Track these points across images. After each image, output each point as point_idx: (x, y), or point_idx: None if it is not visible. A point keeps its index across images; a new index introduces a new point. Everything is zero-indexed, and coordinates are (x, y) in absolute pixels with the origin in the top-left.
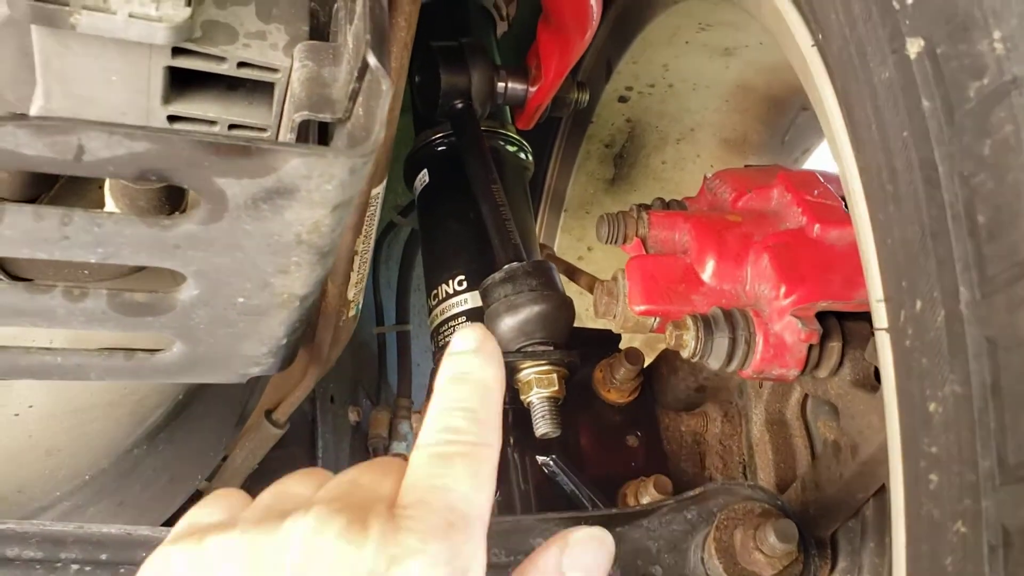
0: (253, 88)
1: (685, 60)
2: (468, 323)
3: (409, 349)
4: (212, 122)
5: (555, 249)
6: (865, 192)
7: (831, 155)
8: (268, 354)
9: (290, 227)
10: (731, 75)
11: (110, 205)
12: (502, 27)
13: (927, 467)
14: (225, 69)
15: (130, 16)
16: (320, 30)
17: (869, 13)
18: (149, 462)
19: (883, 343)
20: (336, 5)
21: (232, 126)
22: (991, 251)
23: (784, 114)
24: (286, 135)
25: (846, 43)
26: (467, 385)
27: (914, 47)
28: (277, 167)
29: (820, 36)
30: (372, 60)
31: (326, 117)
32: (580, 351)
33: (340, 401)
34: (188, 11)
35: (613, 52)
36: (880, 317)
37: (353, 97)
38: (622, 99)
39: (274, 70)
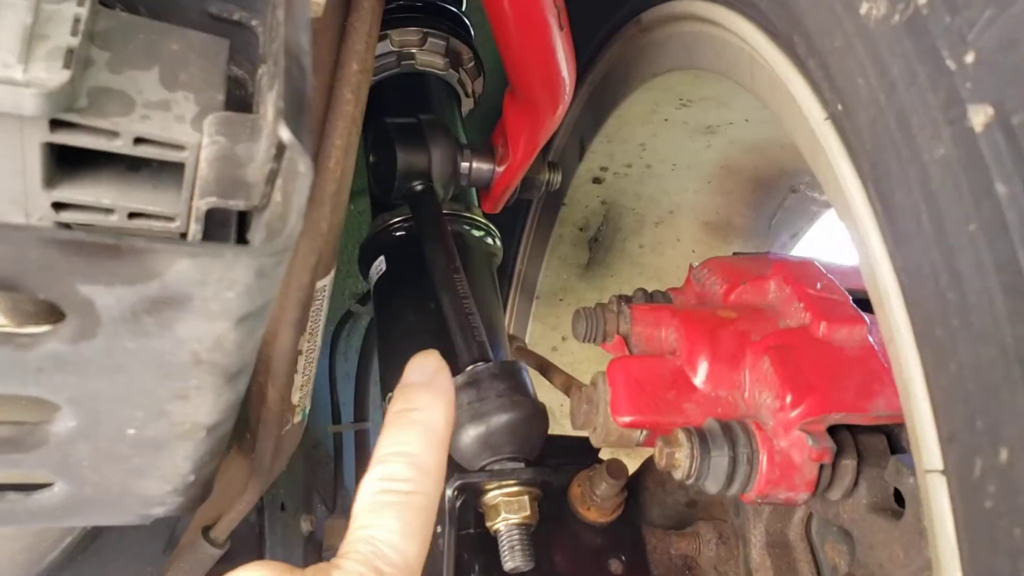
0: (159, 169)
1: (664, 139)
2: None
3: (368, 449)
4: (108, 210)
5: (527, 339)
6: (907, 297)
7: (852, 246)
8: (173, 493)
9: (184, 345)
10: (714, 155)
11: None
12: (468, 104)
13: None
14: (119, 147)
15: None
16: (240, 100)
17: (913, 76)
18: None
19: (936, 488)
20: (260, 71)
21: (132, 215)
22: None
23: (771, 197)
24: (192, 227)
25: (880, 113)
26: (412, 427)
27: (980, 117)
28: (160, 271)
29: (839, 106)
30: (285, 134)
31: (239, 204)
32: (555, 462)
33: (292, 509)
34: (67, 74)
35: (586, 130)
36: (932, 458)
37: (271, 180)
38: (596, 180)
39: (180, 147)
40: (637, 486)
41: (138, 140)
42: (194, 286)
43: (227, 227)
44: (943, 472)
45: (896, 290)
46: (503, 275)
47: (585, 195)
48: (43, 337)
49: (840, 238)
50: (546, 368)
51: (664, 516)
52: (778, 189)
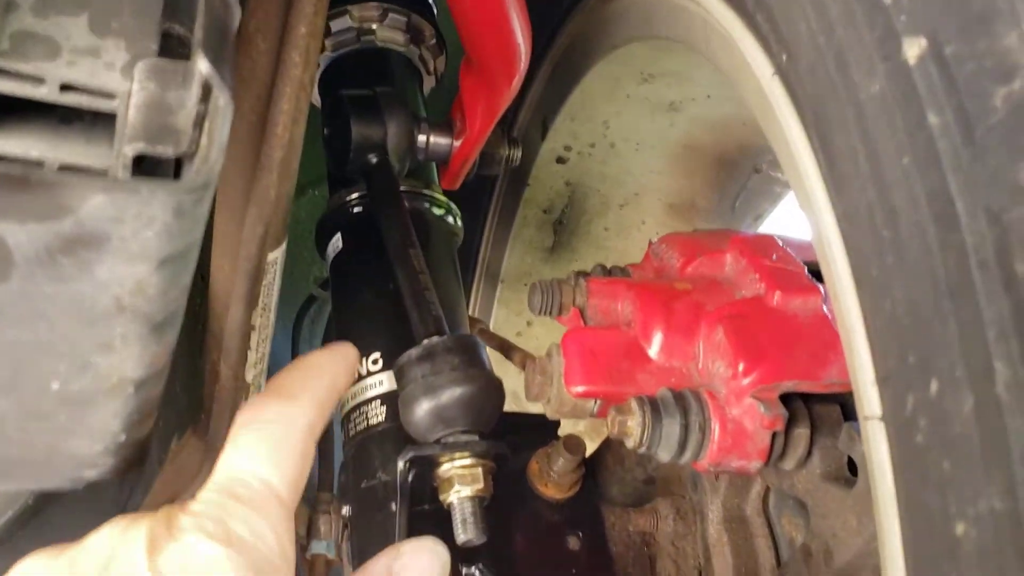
0: (93, 121)
1: (627, 117)
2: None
3: (331, 437)
4: (38, 163)
5: (491, 324)
6: (847, 241)
7: (800, 206)
8: (104, 453)
9: (105, 289)
10: (677, 133)
11: None
12: (430, 82)
13: None
14: (44, 94)
15: None
16: (175, 49)
17: (851, 14)
18: None
19: (875, 435)
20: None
21: (63, 167)
22: None
23: (734, 177)
24: (120, 175)
25: (820, 56)
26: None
27: (913, 49)
28: (73, 207)
29: (784, 57)
30: (203, 65)
31: (167, 151)
32: (513, 439)
33: None
34: None
35: (549, 109)
36: (871, 402)
37: (199, 124)
38: (560, 160)
39: (109, 95)
40: (596, 465)
41: (64, 87)
42: (111, 223)
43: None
44: (881, 418)
45: (837, 237)
46: (467, 259)
47: (549, 175)
48: None
49: (802, 219)
50: (507, 348)
51: (622, 493)
52: (741, 169)
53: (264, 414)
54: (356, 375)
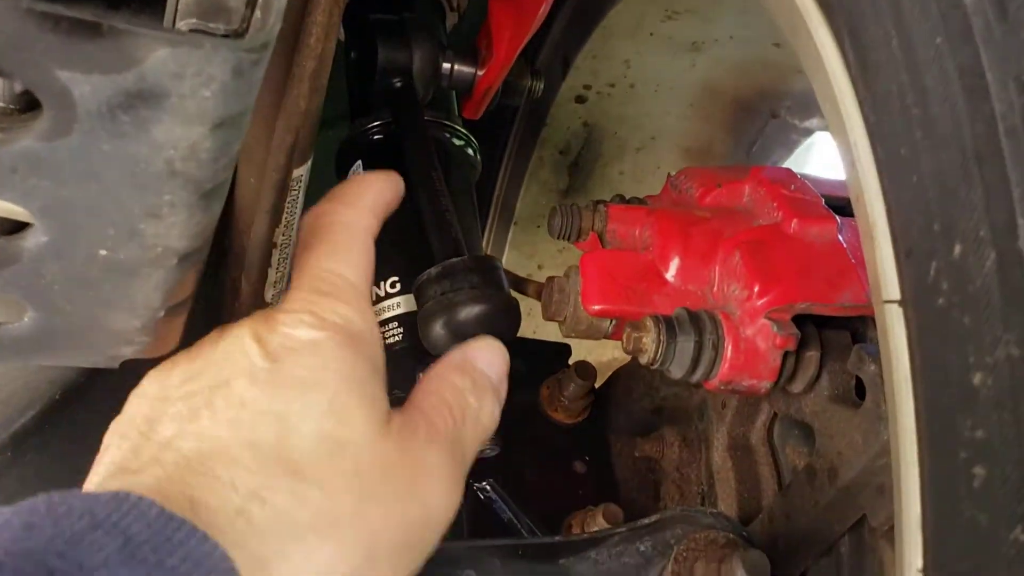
0: (140, 6)
1: (649, 56)
2: None
3: None
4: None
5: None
6: (875, 128)
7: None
8: (142, 329)
9: (160, 150)
10: (697, 75)
11: None
12: (452, 19)
13: (970, 458)
14: None
15: None
16: None
17: None
18: (14, 473)
19: (893, 320)
20: None
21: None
22: None
23: (752, 122)
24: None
25: None
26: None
27: None
28: (139, 59)
29: None
30: None
31: (218, 28)
32: (526, 364)
33: None
34: None
35: (571, 46)
36: (891, 286)
37: (251, 2)
38: (579, 99)
39: None
40: (604, 397)
41: None
42: (171, 79)
43: None
44: (900, 302)
45: (862, 127)
46: (482, 199)
47: (567, 115)
48: (19, 131)
49: (816, 166)
50: (519, 283)
51: (630, 423)
52: (759, 114)
53: (328, 218)
54: (401, 190)
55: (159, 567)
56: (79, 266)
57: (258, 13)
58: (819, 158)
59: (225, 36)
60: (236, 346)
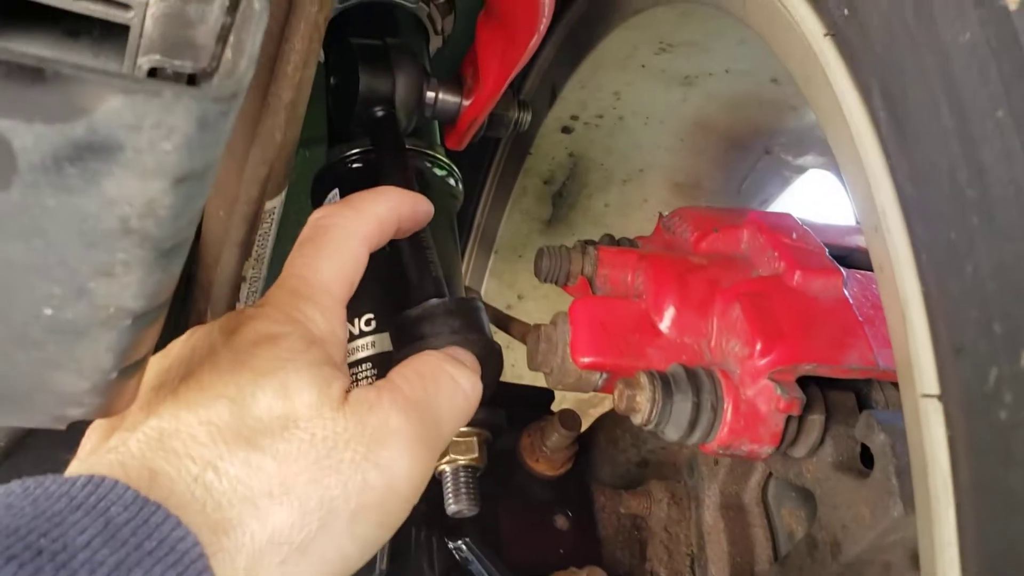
0: (105, 34)
1: (640, 88)
2: None
3: None
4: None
5: (482, 294)
6: (912, 204)
7: (845, 174)
8: (92, 392)
9: (112, 206)
10: (689, 109)
11: None
12: (436, 43)
13: None
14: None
15: None
16: None
17: None
18: None
19: (931, 415)
20: None
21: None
22: None
23: (744, 158)
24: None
25: (897, 7)
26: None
27: None
28: (89, 108)
29: (845, 11)
30: None
31: (185, 66)
32: (506, 411)
33: None
34: None
35: (559, 74)
36: (927, 381)
37: (223, 38)
38: (566, 129)
39: (125, 5)
40: (588, 444)
41: None
42: (127, 131)
43: None
44: (939, 397)
45: (895, 201)
46: (462, 226)
47: (553, 145)
48: None
49: (810, 203)
50: (502, 320)
51: (614, 475)
52: (752, 150)
53: (329, 220)
54: (421, 211)
55: (138, 549)
56: (20, 325)
57: (228, 54)
58: (811, 195)
59: (190, 83)
60: (204, 340)
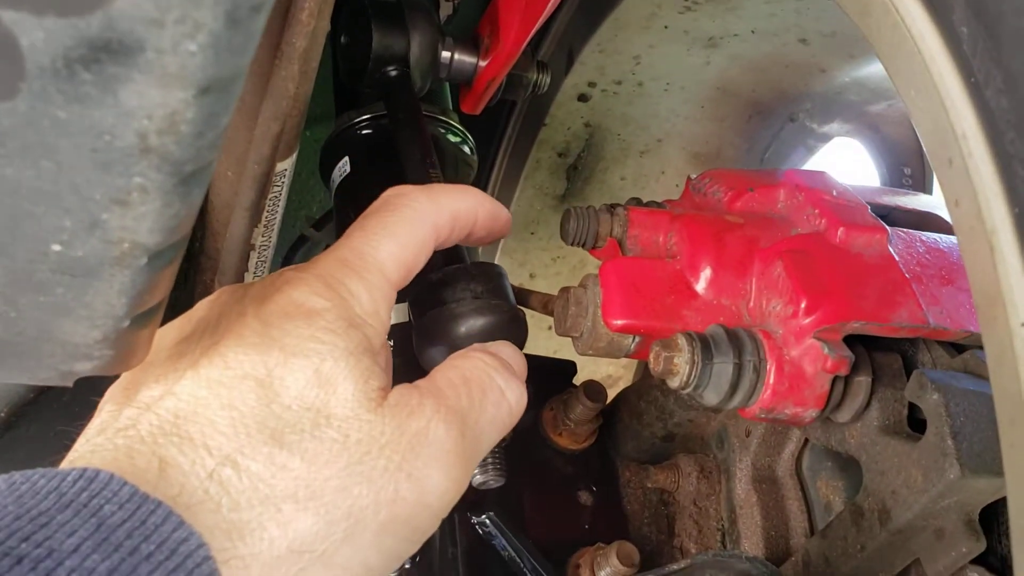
0: None
1: (661, 51)
2: None
3: None
4: None
5: None
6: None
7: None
8: (103, 342)
9: (130, 119)
10: (711, 73)
11: None
12: (446, 9)
13: None
14: None
15: None
16: None
17: None
18: None
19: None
20: None
21: None
22: None
23: (767, 125)
24: None
25: None
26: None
27: None
28: None
29: None
30: None
31: None
32: (528, 383)
33: None
34: None
35: (576, 39)
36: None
37: None
38: (582, 97)
39: None
40: (610, 420)
41: None
42: (148, 27)
43: None
44: None
45: (976, 125)
46: None
47: (568, 114)
48: None
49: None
50: (522, 294)
51: (639, 450)
52: (776, 116)
53: (403, 199)
54: (501, 220)
55: (133, 554)
56: (25, 264)
57: None
58: (835, 165)
59: None
60: (234, 307)
